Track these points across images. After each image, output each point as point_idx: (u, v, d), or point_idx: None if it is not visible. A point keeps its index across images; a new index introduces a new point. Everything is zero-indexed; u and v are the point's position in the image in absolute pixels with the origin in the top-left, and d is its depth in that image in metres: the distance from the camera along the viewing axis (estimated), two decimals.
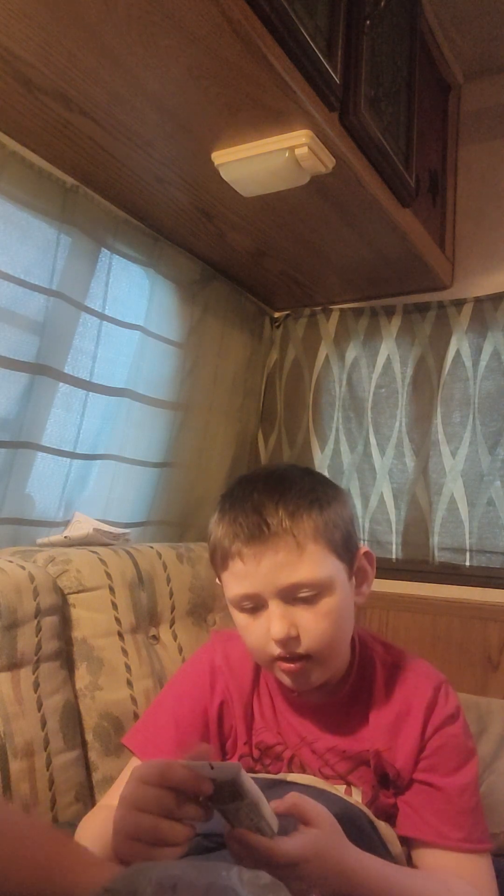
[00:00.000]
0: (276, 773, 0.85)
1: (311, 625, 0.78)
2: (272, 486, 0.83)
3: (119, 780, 0.94)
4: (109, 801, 0.91)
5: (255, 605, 0.80)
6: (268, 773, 0.84)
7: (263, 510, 0.79)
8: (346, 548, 0.83)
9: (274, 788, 0.79)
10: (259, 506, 0.80)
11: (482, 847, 0.81)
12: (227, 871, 0.61)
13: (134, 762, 0.92)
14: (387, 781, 0.84)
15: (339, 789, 0.83)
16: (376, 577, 0.90)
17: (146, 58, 0.96)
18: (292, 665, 0.79)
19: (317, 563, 0.79)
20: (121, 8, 0.87)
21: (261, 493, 0.81)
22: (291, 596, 0.78)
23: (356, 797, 0.83)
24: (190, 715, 0.91)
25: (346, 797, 0.82)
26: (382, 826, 0.82)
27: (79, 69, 1.00)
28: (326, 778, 0.84)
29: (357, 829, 0.76)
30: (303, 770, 0.85)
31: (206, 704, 0.90)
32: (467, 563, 1.55)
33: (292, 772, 0.85)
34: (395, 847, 0.82)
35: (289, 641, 0.78)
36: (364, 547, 0.88)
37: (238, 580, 0.80)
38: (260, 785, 0.81)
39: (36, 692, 1.05)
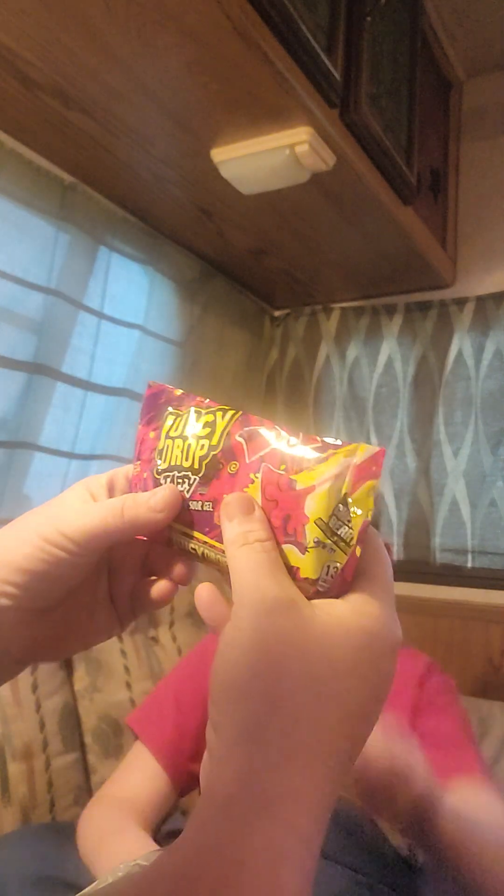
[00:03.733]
0: None
1: None
2: None
3: (122, 766, 0.95)
4: (111, 791, 0.91)
5: None
6: None
7: None
8: None
9: None
10: None
11: (488, 776, 0.85)
12: None
13: (138, 747, 0.94)
14: None
15: None
16: None
17: (145, 55, 0.95)
18: None
19: None
20: (120, 5, 0.86)
21: None
22: None
23: None
24: (191, 699, 0.95)
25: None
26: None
27: (77, 66, 0.99)
28: None
29: (353, 823, 0.76)
30: None
31: (206, 691, 0.92)
32: (469, 565, 1.54)
33: None
34: (395, 838, 0.81)
35: None
36: None
37: None
38: None
39: (34, 694, 1.05)
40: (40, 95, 1.06)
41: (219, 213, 1.38)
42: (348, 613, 0.33)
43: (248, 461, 0.37)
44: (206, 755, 0.33)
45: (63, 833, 0.89)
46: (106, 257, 1.34)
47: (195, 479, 0.39)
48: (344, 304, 1.78)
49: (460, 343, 1.60)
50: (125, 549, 0.44)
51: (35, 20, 0.90)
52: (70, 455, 1.31)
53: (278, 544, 0.34)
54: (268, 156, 1.12)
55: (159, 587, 0.43)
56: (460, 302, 1.62)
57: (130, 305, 1.41)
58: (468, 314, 1.60)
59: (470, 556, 1.53)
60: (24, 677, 1.04)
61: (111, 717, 1.13)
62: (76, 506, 0.40)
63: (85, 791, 1.09)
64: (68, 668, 1.14)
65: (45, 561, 0.38)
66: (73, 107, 1.08)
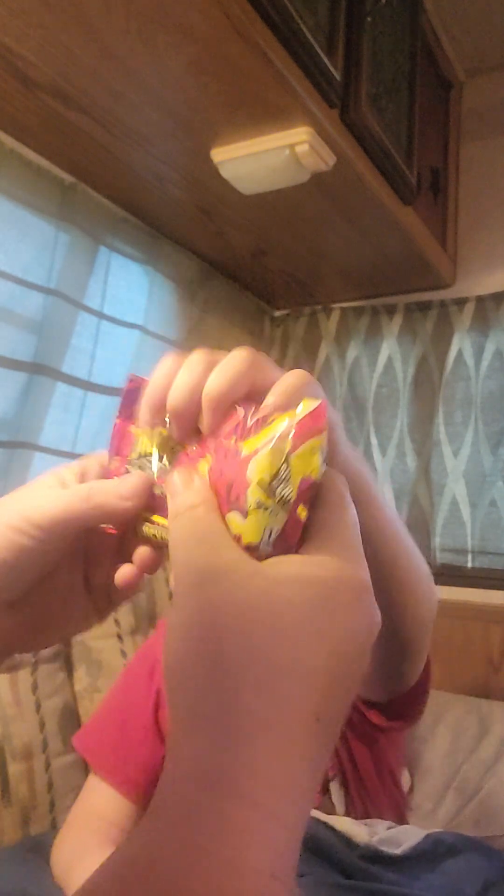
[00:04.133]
0: None
1: None
2: None
3: (83, 790, 0.92)
4: (77, 813, 0.89)
5: None
6: None
7: None
8: None
9: None
10: None
11: None
12: None
13: (93, 779, 0.91)
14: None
15: None
16: None
17: (145, 55, 0.95)
18: None
19: None
20: (119, 5, 0.86)
21: None
22: None
23: None
24: (134, 707, 0.92)
25: None
26: (345, 822, 0.80)
27: (77, 66, 0.99)
28: None
29: (313, 839, 0.74)
30: None
31: (144, 697, 0.91)
32: (469, 565, 1.54)
33: None
34: (360, 836, 0.79)
35: None
36: None
37: None
38: None
39: (34, 694, 1.05)
40: (40, 95, 1.06)
41: (219, 213, 1.38)
42: (299, 566, 0.30)
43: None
44: None
45: (46, 852, 0.88)
46: (106, 257, 1.34)
47: (161, 465, 0.38)
48: (344, 304, 1.78)
49: (460, 343, 1.60)
50: (100, 535, 0.42)
51: (35, 20, 0.90)
52: (70, 455, 1.31)
53: (223, 514, 0.32)
54: (268, 156, 1.12)
55: (122, 573, 0.41)
56: (460, 302, 1.62)
57: (130, 305, 1.41)
58: (468, 314, 1.60)
59: (470, 556, 1.53)
60: (24, 677, 1.04)
61: None
62: (43, 492, 0.38)
63: None
64: (68, 668, 1.13)
65: (9, 550, 0.37)
66: (72, 106, 1.08)
